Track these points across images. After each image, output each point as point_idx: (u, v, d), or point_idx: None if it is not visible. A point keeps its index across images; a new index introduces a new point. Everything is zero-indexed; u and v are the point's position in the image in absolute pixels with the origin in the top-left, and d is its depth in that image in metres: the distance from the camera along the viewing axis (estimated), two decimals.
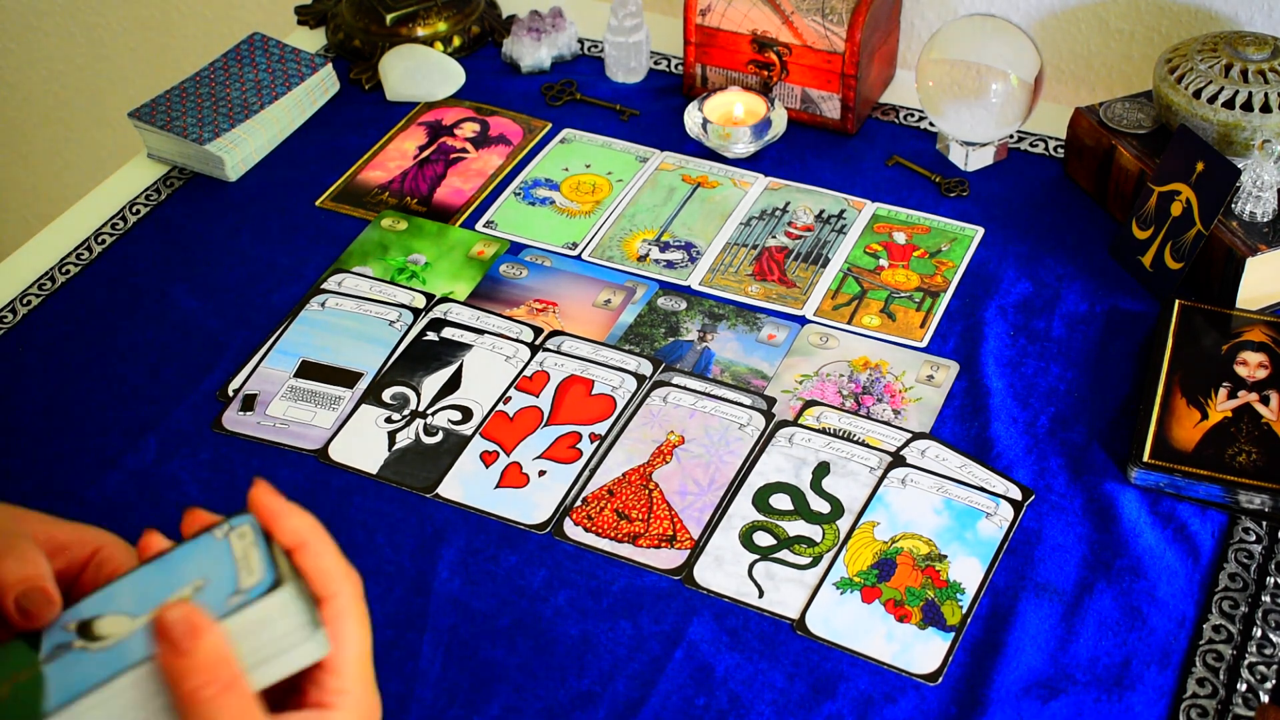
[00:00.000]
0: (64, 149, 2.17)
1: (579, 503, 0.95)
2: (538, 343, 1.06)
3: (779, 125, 1.25)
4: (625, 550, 0.92)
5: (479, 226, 1.19)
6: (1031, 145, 1.25)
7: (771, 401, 1.01)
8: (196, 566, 0.51)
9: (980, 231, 1.16)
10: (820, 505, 0.94)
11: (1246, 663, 0.84)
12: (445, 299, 1.11)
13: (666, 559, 0.91)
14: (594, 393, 1.02)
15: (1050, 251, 1.14)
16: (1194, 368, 0.99)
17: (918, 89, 1.21)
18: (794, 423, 0.99)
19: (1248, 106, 1.08)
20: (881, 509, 0.93)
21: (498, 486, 0.96)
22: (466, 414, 1.01)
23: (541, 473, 0.96)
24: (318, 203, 1.23)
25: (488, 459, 0.98)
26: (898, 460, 0.96)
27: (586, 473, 0.97)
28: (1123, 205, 1.14)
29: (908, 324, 1.08)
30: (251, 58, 1.33)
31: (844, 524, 0.92)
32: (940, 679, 0.84)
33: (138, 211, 1.22)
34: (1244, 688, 0.82)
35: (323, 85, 1.33)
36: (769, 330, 1.07)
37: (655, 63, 1.38)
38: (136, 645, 0.49)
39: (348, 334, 1.08)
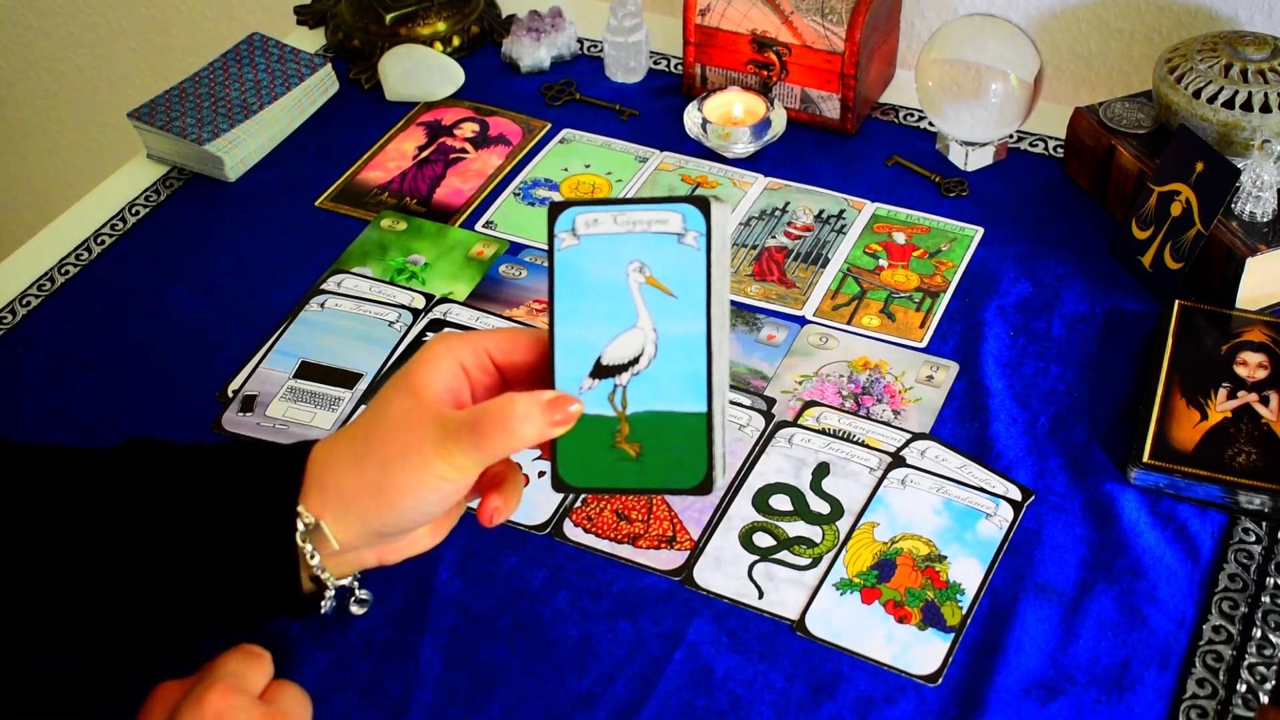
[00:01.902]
0: (64, 149, 2.17)
1: (579, 503, 0.95)
2: None
3: (778, 125, 1.24)
4: (625, 551, 0.92)
5: (478, 227, 1.19)
6: (1031, 145, 1.25)
7: (771, 402, 1.01)
8: None
9: (980, 231, 1.16)
10: (820, 506, 0.94)
11: (1246, 663, 0.84)
12: (445, 299, 1.11)
13: (666, 560, 0.91)
14: None
15: (1050, 251, 1.14)
16: (1194, 368, 0.99)
17: (917, 89, 1.21)
18: (793, 423, 0.99)
19: (1248, 106, 1.08)
20: (881, 509, 0.93)
21: None
22: None
23: (541, 473, 0.96)
24: (317, 203, 1.23)
25: None
26: (897, 461, 0.96)
27: None
28: (1123, 205, 1.14)
29: (907, 324, 1.08)
30: (251, 58, 1.33)
31: (844, 525, 0.92)
32: (940, 680, 0.84)
33: (137, 212, 1.22)
34: (1244, 688, 0.82)
35: (322, 85, 1.33)
36: (768, 330, 1.07)
37: (655, 63, 1.38)
38: None
39: (347, 334, 1.08)
